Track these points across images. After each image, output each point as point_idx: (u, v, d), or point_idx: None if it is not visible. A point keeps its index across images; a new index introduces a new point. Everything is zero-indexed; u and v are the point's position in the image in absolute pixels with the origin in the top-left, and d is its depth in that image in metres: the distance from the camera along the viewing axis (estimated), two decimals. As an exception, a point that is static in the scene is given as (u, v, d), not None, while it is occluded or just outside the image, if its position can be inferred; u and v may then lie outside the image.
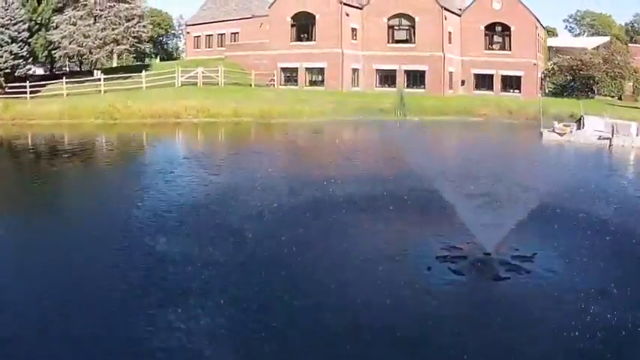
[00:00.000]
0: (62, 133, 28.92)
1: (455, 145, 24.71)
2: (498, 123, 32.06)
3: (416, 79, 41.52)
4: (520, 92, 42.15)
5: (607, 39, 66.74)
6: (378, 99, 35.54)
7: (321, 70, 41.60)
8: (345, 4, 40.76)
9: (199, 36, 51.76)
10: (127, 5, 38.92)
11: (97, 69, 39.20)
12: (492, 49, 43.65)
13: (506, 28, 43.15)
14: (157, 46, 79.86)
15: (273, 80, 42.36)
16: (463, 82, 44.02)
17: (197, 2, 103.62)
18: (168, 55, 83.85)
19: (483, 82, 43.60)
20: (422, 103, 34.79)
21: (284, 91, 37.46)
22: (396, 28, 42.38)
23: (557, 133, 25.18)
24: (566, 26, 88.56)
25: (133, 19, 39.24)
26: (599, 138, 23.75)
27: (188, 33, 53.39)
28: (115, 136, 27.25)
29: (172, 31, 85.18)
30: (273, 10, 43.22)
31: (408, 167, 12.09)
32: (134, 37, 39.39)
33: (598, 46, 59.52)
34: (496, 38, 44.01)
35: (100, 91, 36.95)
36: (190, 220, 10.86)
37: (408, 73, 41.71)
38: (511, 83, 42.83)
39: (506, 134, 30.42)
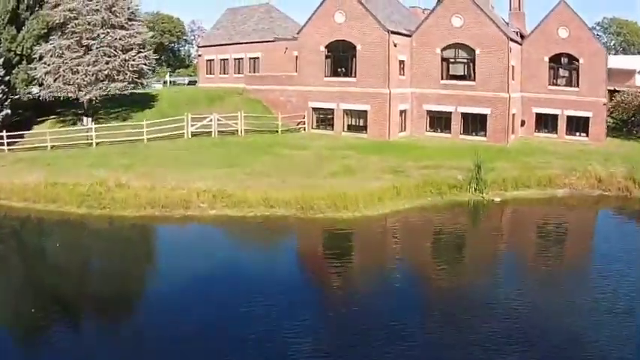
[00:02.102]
0: (23, 238, 19.14)
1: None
2: (589, 198, 24.02)
3: (475, 124, 31.21)
4: (587, 136, 32.53)
5: (654, 58, 57.18)
6: (440, 158, 25.99)
7: (362, 113, 31.06)
8: (392, 32, 30.20)
9: (212, 60, 40.76)
10: (124, 32, 28.46)
11: (88, 112, 29.06)
12: (557, 85, 33.58)
13: (573, 61, 33.09)
14: (167, 53, 69.37)
15: (303, 123, 32.11)
16: (523, 123, 34.07)
17: (208, 5, 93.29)
18: (180, 62, 73.50)
19: (545, 123, 33.74)
20: (494, 166, 25.05)
21: (320, 146, 27.35)
22: (451, 61, 31.76)
23: None
24: (594, 34, 78.17)
25: (132, 49, 28.80)
26: None
27: (200, 55, 42.44)
28: (91, 251, 17.30)
29: (184, 37, 74.16)
30: (304, 36, 32.54)
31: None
32: (133, 72, 28.99)
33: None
34: (562, 72, 33.86)
35: (90, 143, 27.08)
36: None
37: (465, 116, 31.44)
38: (577, 125, 33.01)
39: (616, 227, 21.28)
